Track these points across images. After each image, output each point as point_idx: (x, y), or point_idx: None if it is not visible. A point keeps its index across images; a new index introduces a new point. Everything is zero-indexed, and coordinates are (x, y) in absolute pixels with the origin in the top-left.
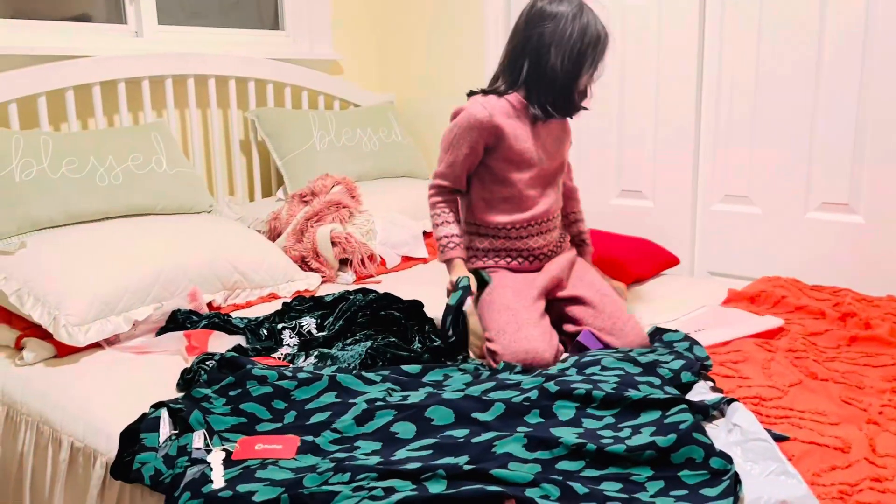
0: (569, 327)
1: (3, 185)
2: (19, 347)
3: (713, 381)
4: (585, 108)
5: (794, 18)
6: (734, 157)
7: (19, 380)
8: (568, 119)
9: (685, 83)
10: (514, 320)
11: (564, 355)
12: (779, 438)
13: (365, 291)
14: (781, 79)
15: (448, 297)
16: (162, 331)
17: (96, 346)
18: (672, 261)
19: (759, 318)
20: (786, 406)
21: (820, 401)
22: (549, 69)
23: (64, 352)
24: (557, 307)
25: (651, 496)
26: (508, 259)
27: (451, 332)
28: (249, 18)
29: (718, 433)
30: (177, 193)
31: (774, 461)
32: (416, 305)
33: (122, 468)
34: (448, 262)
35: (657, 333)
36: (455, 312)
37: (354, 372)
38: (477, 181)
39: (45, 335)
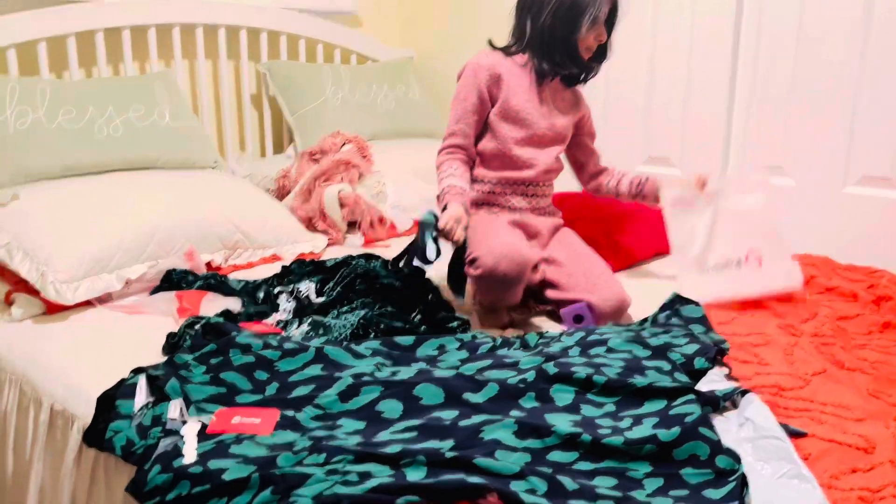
0: (550, 293)
1: None
2: (9, 303)
3: (729, 368)
4: (591, 67)
5: None
6: (769, 125)
7: (6, 336)
8: (582, 96)
9: (720, 44)
10: (493, 230)
11: (569, 329)
12: (795, 434)
13: (368, 257)
14: (824, 41)
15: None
16: (156, 290)
17: (87, 303)
18: None
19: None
20: (807, 397)
21: (845, 393)
22: (545, 28)
23: (53, 309)
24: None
25: (648, 495)
26: (489, 211)
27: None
28: None
29: (729, 427)
30: (179, 147)
31: (788, 462)
32: (418, 273)
33: (96, 435)
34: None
35: (675, 302)
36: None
37: (344, 344)
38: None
39: (35, 290)
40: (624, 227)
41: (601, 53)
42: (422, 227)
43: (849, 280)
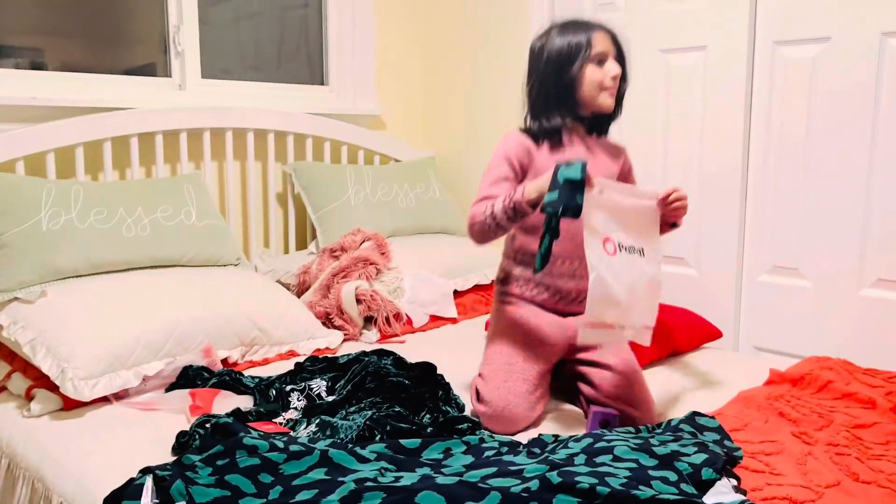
0: (588, 391)
1: (29, 234)
2: (30, 398)
3: (738, 478)
4: (603, 114)
5: (848, 78)
6: (783, 226)
7: (24, 432)
8: (623, 148)
9: (731, 146)
10: (505, 366)
11: (578, 434)
12: None
13: (381, 353)
14: (834, 142)
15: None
16: (172, 387)
17: (104, 399)
18: (714, 333)
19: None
20: None
21: None
22: (541, 86)
23: (70, 405)
24: (571, 366)
25: None
26: (536, 292)
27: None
28: (302, 73)
29: None
30: (203, 246)
31: None
32: (429, 370)
33: None
34: (526, 195)
35: (693, 416)
36: (575, 188)
37: (349, 447)
38: None
39: (55, 386)
40: (658, 318)
41: (612, 105)
42: (568, 184)
43: (868, 385)
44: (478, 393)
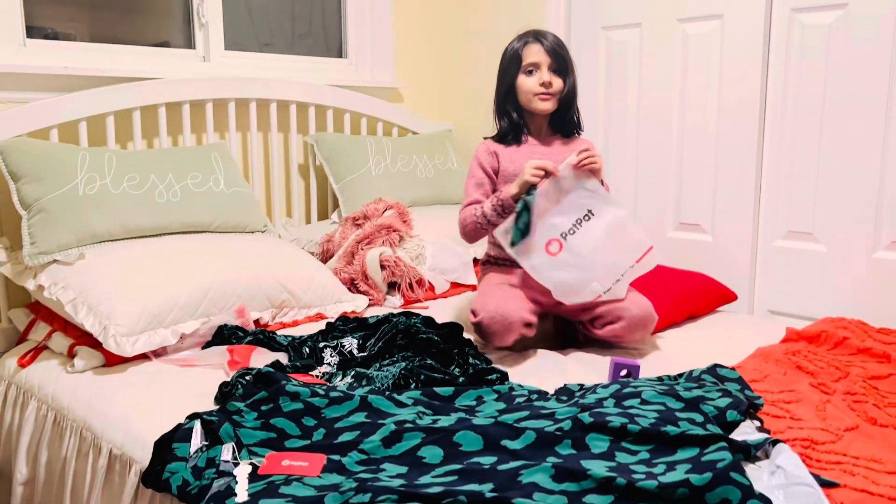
0: (584, 315)
1: (67, 198)
2: (72, 355)
3: (761, 420)
4: (562, 115)
5: (865, 44)
6: (798, 192)
7: (68, 386)
8: (586, 142)
9: (748, 113)
10: (491, 290)
11: (605, 382)
12: (828, 485)
13: (409, 314)
14: (850, 108)
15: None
16: (208, 345)
17: (144, 356)
18: (729, 296)
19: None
20: (839, 451)
21: (877, 448)
22: (498, 93)
23: (112, 361)
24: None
25: None
26: (507, 266)
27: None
28: (317, 47)
29: (761, 475)
30: (232, 212)
31: None
32: (456, 329)
33: (154, 476)
34: (510, 198)
35: (714, 368)
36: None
37: (386, 393)
38: None
39: (96, 344)
40: (675, 282)
41: (568, 98)
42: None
43: (882, 342)
44: (473, 313)
